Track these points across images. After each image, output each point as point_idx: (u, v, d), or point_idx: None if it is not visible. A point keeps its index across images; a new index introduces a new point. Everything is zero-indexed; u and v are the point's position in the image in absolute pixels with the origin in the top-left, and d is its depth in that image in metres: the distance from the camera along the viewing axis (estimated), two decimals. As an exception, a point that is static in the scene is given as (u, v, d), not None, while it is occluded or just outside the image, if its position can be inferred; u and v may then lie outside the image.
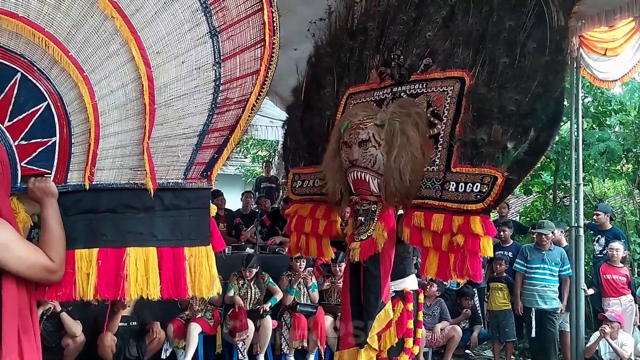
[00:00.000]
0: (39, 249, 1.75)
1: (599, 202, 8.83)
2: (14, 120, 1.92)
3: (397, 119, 3.03)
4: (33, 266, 1.69)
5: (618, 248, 6.62)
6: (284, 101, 6.00)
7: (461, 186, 2.82)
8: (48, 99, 1.96)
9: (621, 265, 6.69)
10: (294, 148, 3.88)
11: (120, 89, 2.01)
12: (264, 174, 11.09)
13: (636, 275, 7.82)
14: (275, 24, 2.08)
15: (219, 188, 7.76)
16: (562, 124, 7.96)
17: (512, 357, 6.79)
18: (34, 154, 1.96)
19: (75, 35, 1.94)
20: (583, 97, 8.10)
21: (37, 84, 1.94)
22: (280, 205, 8.51)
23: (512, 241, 7.18)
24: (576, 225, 6.16)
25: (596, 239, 7.33)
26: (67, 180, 2.02)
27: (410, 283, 3.41)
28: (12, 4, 1.84)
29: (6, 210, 1.70)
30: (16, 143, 1.93)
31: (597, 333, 6.07)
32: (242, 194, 9.32)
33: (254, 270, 5.97)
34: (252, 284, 6.03)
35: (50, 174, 1.99)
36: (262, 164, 12.72)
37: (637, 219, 9.03)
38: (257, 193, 9.81)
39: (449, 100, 3.02)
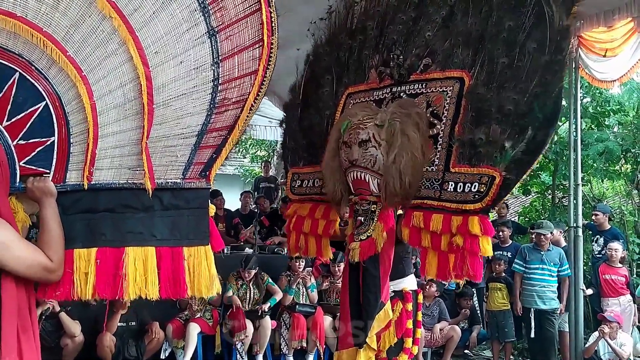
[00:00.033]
0: (38, 248, 1.75)
1: (598, 203, 8.84)
2: (13, 120, 1.92)
3: (398, 119, 3.03)
4: (32, 266, 1.69)
5: (617, 248, 6.62)
6: (282, 101, 5.99)
7: (460, 186, 2.82)
8: (46, 98, 1.96)
9: (620, 265, 6.69)
10: (293, 148, 3.88)
11: (119, 88, 2.01)
12: (262, 174, 11.09)
13: (635, 276, 7.82)
14: (273, 24, 2.08)
15: (218, 188, 7.77)
16: (560, 124, 8.00)
17: (511, 357, 6.80)
18: (33, 154, 1.97)
19: (73, 35, 1.94)
20: (581, 98, 8.08)
21: (36, 84, 1.94)
22: (279, 205, 8.51)
23: (511, 241, 7.18)
24: (575, 225, 6.16)
25: (595, 239, 7.33)
26: (66, 180, 2.02)
27: (409, 283, 3.42)
28: (10, 4, 1.85)
29: (5, 210, 1.70)
30: (15, 143, 1.93)
31: (596, 333, 6.07)
32: (241, 194, 9.32)
33: (253, 272, 5.97)
34: (251, 284, 6.03)
35: (49, 173, 1.99)
36: (261, 164, 12.72)
37: (636, 219, 9.04)
38: (255, 193, 9.81)
39: (448, 101, 3.02)
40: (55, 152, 1.99)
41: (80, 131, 2.01)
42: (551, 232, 6.50)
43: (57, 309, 5.00)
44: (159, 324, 5.64)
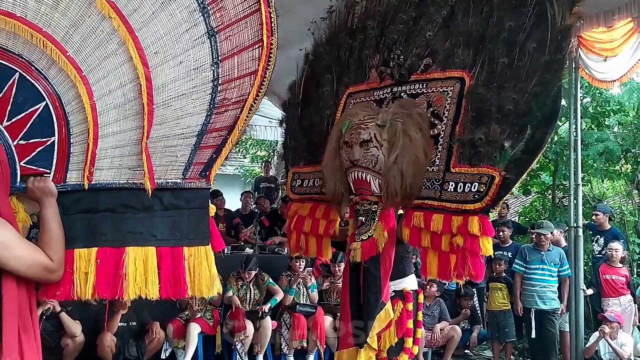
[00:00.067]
0: (39, 248, 1.75)
1: (598, 203, 8.84)
2: (13, 120, 1.93)
3: (399, 120, 3.03)
4: (33, 266, 1.69)
5: (617, 248, 6.62)
6: (282, 101, 6.00)
7: (460, 186, 2.83)
8: (46, 98, 1.96)
9: (620, 265, 6.69)
10: (294, 147, 3.88)
11: (119, 89, 2.01)
12: (263, 174, 11.09)
13: (635, 276, 7.82)
14: (273, 25, 2.08)
15: (218, 188, 7.77)
16: (560, 124, 8.02)
17: (511, 357, 6.79)
18: (33, 154, 1.97)
19: (73, 35, 1.94)
20: (582, 98, 8.09)
21: (36, 84, 1.94)
22: (278, 205, 8.52)
23: (511, 241, 7.18)
24: (575, 225, 6.16)
25: (595, 239, 7.33)
26: (66, 180, 2.02)
27: (409, 283, 3.42)
28: (9, 4, 1.85)
29: (6, 209, 1.70)
30: (15, 143, 1.93)
31: (597, 333, 6.07)
32: (242, 194, 9.32)
33: (253, 273, 5.97)
34: (251, 285, 6.02)
35: (49, 173, 1.99)
36: (261, 164, 12.72)
37: (636, 219, 9.03)
38: (256, 193, 9.82)
39: (449, 101, 3.02)
40: (55, 152, 2.00)
41: (81, 131, 2.01)
42: (551, 232, 6.50)
43: (58, 309, 5.01)
44: (159, 324, 5.64)
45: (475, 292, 7.12)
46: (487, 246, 2.74)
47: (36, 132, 1.96)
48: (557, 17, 2.71)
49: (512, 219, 9.42)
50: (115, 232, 2.04)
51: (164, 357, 5.80)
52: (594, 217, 7.30)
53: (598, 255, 7.13)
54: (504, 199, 2.89)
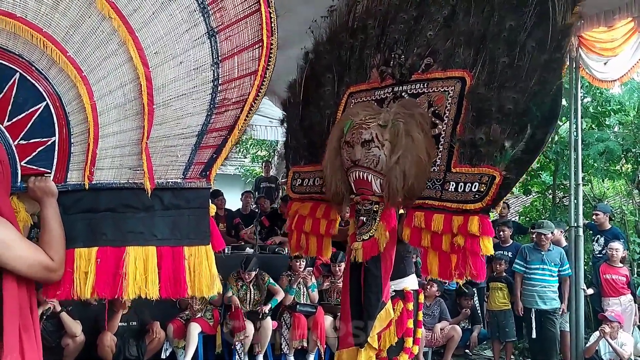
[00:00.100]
0: (39, 248, 1.76)
1: (598, 202, 8.82)
2: (13, 120, 1.93)
3: (401, 120, 3.04)
4: (33, 265, 1.69)
5: (617, 248, 6.62)
6: (283, 100, 6.00)
7: (460, 186, 2.83)
8: (47, 99, 1.96)
9: (621, 265, 6.69)
10: (295, 146, 3.88)
11: (119, 89, 2.02)
12: (263, 174, 11.10)
13: (636, 275, 7.81)
14: (273, 25, 2.09)
15: (219, 188, 7.76)
16: (561, 124, 8.01)
17: (511, 357, 6.79)
18: (34, 154, 1.97)
19: (73, 35, 1.95)
20: (582, 97, 8.09)
21: (36, 84, 1.95)
22: (278, 204, 8.52)
23: (511, 241, 7.18)
24: (575, 225, 6.16)
25: (595, 238, 7.33)
26: (67, 180, 2.02)
27: (410, 282, 3.42)
28: (9, 4, 1.85)
29: (7, 209, 1.71)
30: (16, 143, 1.94)
31: (597, 333, 6.07)
32: (242, 194, 9.32)
33: (253, 273, 5.96)
34: (251, 285, 6.02)
35: (50, 173, 1.99)
36: (262, 164, 12.72)
37: (637, 219, 9.03)
38: (256, 193, 9.82)
39: (450, 101, 3.03)
40: (56, 152, 2.00)
41: (81, 131, 2.02)
42: (552, 232, 6.50)
43: (58, 308, 5.01)
44: (159, 323, 5.64)
45: (475, 291, 7.11)
46: (487, 246, 2.74)
47: (37, 132, 1.96)
48: (558, 17, 2.71)
49: (513, 219, 9.41)
50: (115, 231, 2.05)
51: (164, 357, 5.80)
52: (594, 217, 7.29)
53: (598, 255, 7.12)
54: (504, 198, 2.90)
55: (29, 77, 1.94)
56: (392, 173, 2.99)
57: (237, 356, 5.70)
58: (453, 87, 3.04)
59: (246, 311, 5.86)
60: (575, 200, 6.22)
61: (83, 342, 5.23)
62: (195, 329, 5.67)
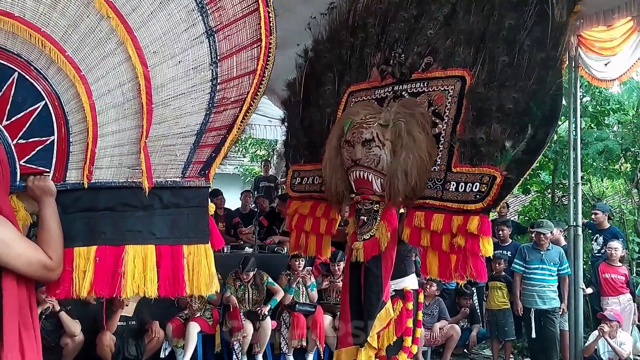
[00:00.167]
0: (38, 247, 1.76)
1: (597, 201, 8.82)
2: (12, 119, 1.93)
3: (402, 119, 3.04)
4: (32, 264, 1.70)
5: (617, 247, 6.62)
6: (282, 100, 6.00)
7: (461, 186, 2.83)
8: (45, 98, 1.97)
9: (620, 264, 6.68)
10: (295, 145, 3.88)
11: (118, 88, 2.02)
12: (262, 173, 11.09)
13: (635, 275, 7.82)
14: (271, 24, 2.09)
15: (218, 187, 7.76)
16: (560, 123, 7.98)
17: (511, 356, 6.79)
18: (33, 153, 1.98)
19: (71, 35, 1.95)
20: (581, 97, 8.08)
21: (35, 84, 1.95)
22: (276, 203, 8.51)
23: (510, 240, 7.18)
24: (575, 224, 6.16)
25: (594, 238, 7.32)
26: (66, 179, 2.03)
27: (410, 282, 3.42)
28: (7, 4, 1.85)
29: (6, 208, 1.71)
30: (15, 142, 1.94)
31: (596, 332, 6.07)
32: (241, 193, 9.32)
33: (251, 274, 5.95)
34: (249, 285, 6.01)
35: (49, 172, 2.00)
36: (261, 163, 12.71)
37: (636, 218, 9.02)
38: (255, 192, 9.81)
39: (450, 100, 3.03)
40: (55, 151, 2.01)
41: (80, 130, 2.02)
42: (551, 232, 6.49)
43: (57, 308, 5.00)
44: (159, 323, 5.63)
45: (474, 291, 7.12)
46: (487, 247, 2.74)
47: (35, 131, 1.97)
48: (557, 16, 2.71)
49: (512, 218, 9.41)
50: (114, 230, 2.05)
51: (163, 357, 5.80)
52: (593, 216, 7.29)
53: (597, 254, 7.12)
54: (505, 198, 2.90)
55: (27, 77, 1.94)
56: (393, 173, 2.99)
57: (235, 356, 5.70)
58: (453, 86, 3.04)
59: (245, 311, 5.86)
60: (574, 200, 6.21)
61: (82, 342, 5.22)
62: (194, 329, 5.67)
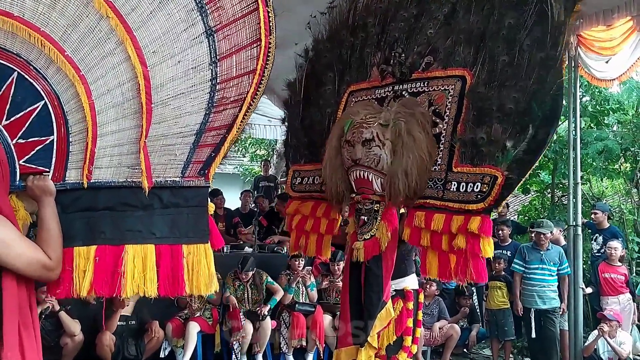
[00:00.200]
0: (38, 246, 1.76)
1: (597, 201, 8.83)
2: (12, 119, 1.93)
3: (402, 119, 3.03)
4: (32, 263, 1.70)
5: (616, 247, 6.62)
6: (282, 99, 6.00)
7: (462, 186, 2.82)
8: (45, 98, 1.97)
9: (619, 264, 6.68)
10: (295, 145, 3.88)
11: (117, 88, 2.02)
12: (262, 173, 11.09)
13: (634, 274, 7.82)
14: (271, 24, 2.09)
15: (218, 187, 7.76)
16: (560, 122, 7.99)
17: (510, 356, 6.79)
18: (32, 153, 1.98)
19: (70, 34, 1.95)
20: (581, 96, 8.09)
21: (34, 83, 1.95)
22: (275, 203, 8.50)
23: (510, 240, 7.18)
24: (574, 224, 6.16)
25: (594, 237, 7.33)
26: (65, 179, 2.03)
27: (410, 282, 3.41)
28: (7, 4, 1.85)
29: (6, 207, 1.71)
30: (14, 142, 1.94)
31: (596, 332, 6.07)
32: (241, 193, 9.32)
33: (250, 273, 5.94)
34: (248, 285, 6.01)
35: (48, 172, 2.00)
36: (261, 163, 12.71)
37: (635, 218, 9.02)
38: (255, 192, 9.81)
39: (450, 99, 3.02)
40: (54, 150, 2.01)
41: (79, 130, 2.02)
42: (551, 232, 6.50)
43: (57, 308, 5.01)
44: (158, 322, 5.63)
45: (474, 290, 7.12)
46: (487, 248, 2.74)
47: (35, 131, 1.97)
48: (556, 15, 2.70)
49: (512, 218, 9.41)
50: (114, 230, 2.06)
51: (163, 356, 5.80)
52: (593, 216, 7.29)
53: (597, 254, 7.12)
54: (506, 198, 2.89)
55: (27, 76, 1.94)
56: (394, 172, 2.99)
57: (234, 356, 5.70)
58: (453, 86, 3.04)
59: (245, 310, 5.86)
60: (574, 199, 6.22)
61: (82, 342, 5.22)
62: (194, 328, 5.67)
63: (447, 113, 3.02)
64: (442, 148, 3.00)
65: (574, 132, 6.28)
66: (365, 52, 3.56)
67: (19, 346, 1.63)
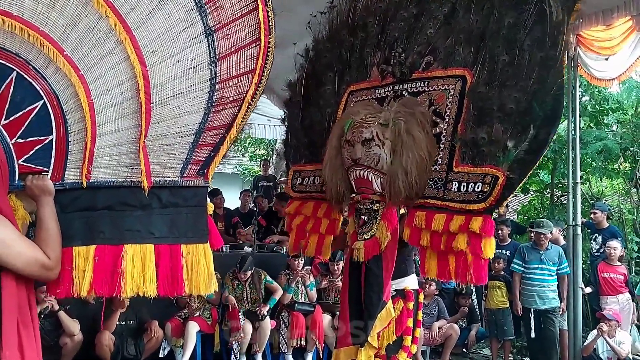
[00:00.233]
0: (37, 246, 1.76)
1: (597, 201, 8.83)
2: (11, 118, 1.93)
3: (402, 119, 3.03)
4: (31, 263, 1.70)
5: (615, 246, 6.61)
6: (281, 99, 6.00)
7: (463, 186, 2.82)
8: (44, 97, 1.97)
9: (619, 263, 6.68)
10: (295, 145, 3.88)
11: (116, 87, 2.02)
12: (262, 173, 11.09)
13: (634, 274, 7.82)
14: (270, 23, 2.09)
15: (217, 187, 7.75)
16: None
17: (510, 355, 6.80)
18: (31, 152, 1.98)
19: (70, 34, 1.95)
20: (580, 96, 8.08)
21: (33, 83, 1.95)
22: (274, 202, 8.49)
23: (510, 240, 7.18)
24: (574, 223, 6.16)
25: (593, 237, 7.32)
26: (65, 178, 2.03)
27: (411, 282, 3.41)
28: (6, 3, 1.86)
29: (5, 207, 1.71)
30: (13, 141, 1.94)
31: (595, 331, 6.07)
32: (241, 193, 9.32)
33: (249, 273, 5.94)
34: (247, 284, 6.00)
35: (47, 171, 2.00)
36: (260, 163, 12.71)
37: (635, 218, 9.02)
38: (255, 192, 9.81)
39: (450, 99, 3.02)
40: (53, 150, 2.01)
41: (79, 130, 2.02)
42: (550, 232, 6.49)
43: (56, 307, 5.00)
44: (158, 322, 5.63)
45: (473, 290, 7.12)
46: (487, 248, 2.73)
47: (34, 130, 1.97)
48: (556, 15, 2.70)
49: (511, 218, 9.41)
50: (113, 230, 2.06)
51: (162, 356, 5.79)
52: (592, 216, 7.29)
53: (596, 254, 7.12)
54: (507, 199, 2.89)
55: (26, 76, 1.94)
56: (393, 172, 2.99)
57: (234, 356, 5.69)
58: (454, 86, 3.04)
59: (244, 310, 5.85)
60: (573, 199, 6.22)
61: (81, 341, 5.22)
62: (193, 328, 5.67)
63: (448, 113, 3.02)
64: (442, 148, 3.00)
65: (573, 131, 6.28)
66: (365, 52, 3.56)
67: (18, 346, 1.63)
